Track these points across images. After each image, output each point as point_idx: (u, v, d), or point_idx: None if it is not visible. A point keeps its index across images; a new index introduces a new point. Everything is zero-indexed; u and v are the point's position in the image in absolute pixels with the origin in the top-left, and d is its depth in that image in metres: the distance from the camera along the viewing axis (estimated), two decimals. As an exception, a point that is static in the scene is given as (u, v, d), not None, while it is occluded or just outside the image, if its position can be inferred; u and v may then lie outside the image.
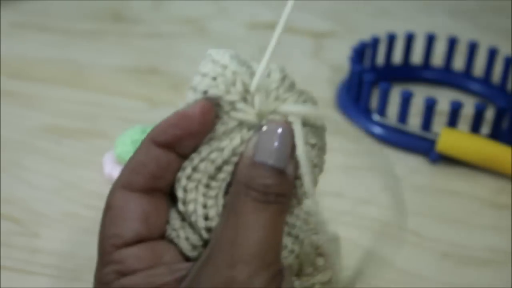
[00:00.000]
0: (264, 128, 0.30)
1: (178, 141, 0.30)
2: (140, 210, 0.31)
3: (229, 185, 0.31)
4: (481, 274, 0.50)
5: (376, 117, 0.65)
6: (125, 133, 0.57)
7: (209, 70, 0.31)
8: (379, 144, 0.64)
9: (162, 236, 0.32)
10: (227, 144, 0.30)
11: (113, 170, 0.56)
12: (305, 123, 0.31)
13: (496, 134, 0.63)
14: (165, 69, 0.77)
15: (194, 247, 0.31)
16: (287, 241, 0.32)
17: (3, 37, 0.81)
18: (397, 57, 0.76)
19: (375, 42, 0.73)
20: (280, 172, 0.29)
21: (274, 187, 0.29)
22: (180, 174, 0.31)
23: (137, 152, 0.31)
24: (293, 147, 0.30)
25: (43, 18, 0.87)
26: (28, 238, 0.51)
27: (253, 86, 0.31)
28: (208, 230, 0.30)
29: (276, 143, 0.29)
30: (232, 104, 0.30)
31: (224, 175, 0.30)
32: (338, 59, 0.78)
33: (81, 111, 0.68)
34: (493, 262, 0.51)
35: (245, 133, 0.30)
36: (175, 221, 0.31)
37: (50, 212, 0.54)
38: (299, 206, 0.32)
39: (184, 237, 0.31)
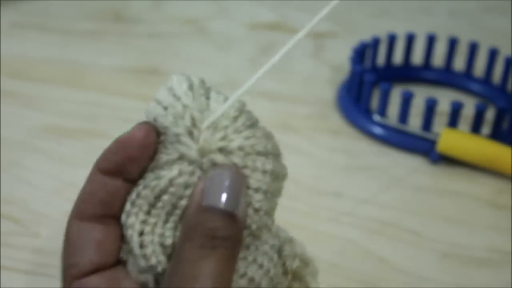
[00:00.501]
0: (212, 172, 0.29)
1: (121, 167, 0.30)
2: (93, 239, 0.31)
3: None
4: (481, 274, 0.50)
5: (376, 117, 0.65)
6: (125, 133, 0.57)
7: (163, 98, 0.32)
8: (380, 144, 0.64)
9: (119, 261, 0.32)
10: (165, 173, 0.30)
11: (113, 170, 0.56)
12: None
13: (497, 135, 0.63)
14: (165, 69, 0.77)
15: (139, 272, 0.31)
16: (246, 268, 0.31)
17: (3, 37, 0.81)
18: (398, 57, 0.76)
19: (375, 42, 0.73)
20: (229, 215, 0.28)
21: (222, 231, 0.28)
22: (127, 198, 0.31)
23: (86, 181, 0.32)
24: (242, 189, 0.29)
25: (43, 18, 0.87)
26: (28, 238, 0.51)
27: (204, 123, 0.30)
28: (144, 256, 0.30)
29: (225, 186, 0.29)
30: (177, 136, 0.30)
31: (162, 204, 0.30)
32: (339, 59, 0.78)
33: (81, 111, 0.68)
34: (493, 262, 0.51)
35: (185, 167, 0.30)
36: (125, 245, 0.32)
37: (50, 212, 0.54)
38: (259, 239, 0.31)
39: (130, 261, 0.31)
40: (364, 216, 0.55)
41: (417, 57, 0.76)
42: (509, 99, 0.69)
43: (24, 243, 0.51)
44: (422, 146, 0.63)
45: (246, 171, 0.30)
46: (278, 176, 0.32)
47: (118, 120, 0.67)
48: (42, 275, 0.48)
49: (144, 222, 0.30)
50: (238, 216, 0.29)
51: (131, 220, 0.31)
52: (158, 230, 0.30)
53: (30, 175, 0.58)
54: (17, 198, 0.55)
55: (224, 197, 0.28)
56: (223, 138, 0.30)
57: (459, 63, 0.76)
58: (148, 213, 0.30)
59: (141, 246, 0.30)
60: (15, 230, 0.52)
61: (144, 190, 0.30)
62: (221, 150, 0.30)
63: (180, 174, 0.30)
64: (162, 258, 0.30)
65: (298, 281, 0.34)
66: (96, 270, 0.31)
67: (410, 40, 0.74)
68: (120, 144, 0.30)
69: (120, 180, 0.31)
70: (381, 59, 0.75)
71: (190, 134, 0.30)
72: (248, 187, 0.30)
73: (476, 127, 0.62)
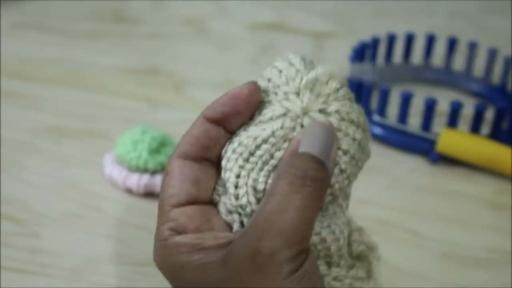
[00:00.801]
0: (309, 125, 0.33)
1: (226, 118, 0.34)
2: (193, 175, 0.35)
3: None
4: (481, 274, 0.50)
5: (376, 117, 0.65)
6: (125, 133, 0.57)
7: (279, 64, 0.35)
8: (379, 144, 0.64)
9: (211, 202, 0.36)
10: (269, 126, 0.34)
11: (113, 170, 0.56)
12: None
13: (496, 134, 0.63)
14: (165, 69, 0.77)
15: (228, 211, 0.35)
16: (321, 229, 0.35)
17: (3, 37, 0.81)
18: (397, 57, 0.76)
19: (375, 42, 0.73)
20: (320, 162, 0.32)
21: (312, 171, 0.32)
22: (227, 146, 0.35)
23: (192, 126, 0.35)
24: (334, 144, 0.33)
25: (43, 18, 0.87)
26: (28, 238, 0.51)
27: (302, 84, 0.34)
28: (236, 196, 0.34)
29: (319, 138, 0.33)
30: (286, 94, 0.34)
31: (261, 152, 0.34)
32: (338, 60, 0.78)
33: (81, 111, 0.68)
34: (493, 262, 0.51)
35: (288, 121, 0.34)
36: (218, 187, 0.36)
37: (50, 212, 0.54)
38: (337, 204, 0.36)
39: (222, 201, 0.35)
40: (363, 216, 0.55)
41: (417, 57, 0.76)
42: (509, 99, 0.69)
43: (24, 243, 0.51)
44: (422, 146, 0.63)
45: (339, 134, 0.34)
46: (363, 149, 0.36)
47: (118, 120, 0.67)
48: (42, 275, 0.48)
49: (241, 167, 0.34)
50: (327, 166, 0.32)
51: (231, 164, 0.34)
52: (253, 175, 0.34)
53: (30, 175, 0.58)
54: (17, 198, 0.55)
55: (317, 146, 0.32)
56: (324, 102, 0.34)
57: (458, 63, 0.76)
58: (247, 160, 0.34)
59: (236, 186, 0.34)
60: (15, 230, 0.52)
61: (247, 139, 0.34)
62: (321, 111, 0.34)
63: (282, 127, 0.34)
64: (253, 199, 0.34)
65: (362, 261, 0.38)
66: (192, 202, 0.35)
67: (409, 40, 0.74)
68: (229, 98, 0.34)
69: (222, 129, 0.35)
70: (380, 59, 0.75)
71: (297, 94, 0.34)
72: (338, 148, 0.34)
73: (475, 127, 0.62)
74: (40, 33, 0.84)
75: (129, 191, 0.56)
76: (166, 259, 0.34)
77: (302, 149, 0.32)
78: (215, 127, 0.35)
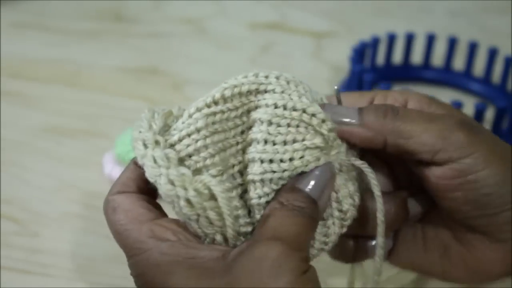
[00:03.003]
0: (315, 168, 0.35)
1: None
2: (140, 201, 0.36)
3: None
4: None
5: (376, 117, 0.65)
6: (125, 133, 0.57)
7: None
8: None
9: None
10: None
11: (113, 170, 0.56)
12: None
13: (496, 134, 0.63)
14: (165, 69, 0.77)
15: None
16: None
17: (3, 37, 0.81)
18: (397, 57, 0.76)
19: (375, 42, 0.73)
20: (313, 201, 0.34)
21: (306, 209, 0.34)
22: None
23: (124, 171, 0.37)
24: (328, 186, 0.35)
25: (43, 18, 0.87)
26: (28, 238, 0.52)
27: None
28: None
29: (315, 175, 0.35)
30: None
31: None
32: (338, 59, 0.78)
33: (81, 111, 0.68)
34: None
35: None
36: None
37: (50, 212, 0.54)
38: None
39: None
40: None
41: (417, 57, 0.76)
42: (509, 99, 0.69)
43: (24, 243, 0.51)
44: (422, 146, 0.62)
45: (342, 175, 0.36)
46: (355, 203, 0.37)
47: (118, 120, 0.67)
48: (42, 275, 0.48)
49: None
50: (319, 204, 0.34)
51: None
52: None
53: (30, 175, 0.58)
54: (17, 198, 0.55)
55: (311, 183, 0.35)
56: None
57: (458, 63, 0.76)
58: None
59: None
60: (15, 230, 0.52)
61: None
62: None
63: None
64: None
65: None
66: (153, 218, 0.35)
67: (409, 39, 0.74)
68: None
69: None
70: (380, 59, 0.75)
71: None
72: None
73: (476, 127, 0.62)
74: (40, 33, 0.84)
75: (129, 191, 0.56)
76: (150, 269, 0.33)
77: (298, 185, 0.35)
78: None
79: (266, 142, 0.36)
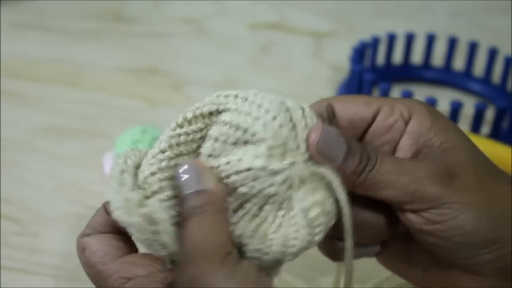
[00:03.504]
0: (176, 169, 0.35)
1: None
2: (108, 240, 0.37)
3: None
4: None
5: (376, 117, 0.65)
6: (125, 133, 0.57)
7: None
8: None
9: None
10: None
11: (113, 170, 0.56)
12: None
13: (496, 134, 0.63)
14: (165, 69, 0.77)
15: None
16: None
17: (3, 37, 0.81)
18: (397, 57, 0.76)
19: (375, 42, 0.73)
20: (200, 192, 0.34)
21: (198, 205, 0.34)
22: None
23: (95, 215, 0.38)
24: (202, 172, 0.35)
25: (43, 18, 0.87)
26: (28, 238, 0.52)
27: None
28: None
29: (187, 175, 0.35)
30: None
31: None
32: (338, 59, 0.78)
33: (81, 111, 0.68)
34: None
35: None
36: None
37: (50, 212, 0.54)
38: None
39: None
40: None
41: (417, 57, 0.76)
42: (509, 99, 0.69)
43: (24, 243, 0.51)
44: (422, 146, 0.62)
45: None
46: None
47: (118, 120, 0.67)
48: (42, 275, 0.48)
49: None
50: (208, 189, 0.34)
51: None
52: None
53: (30, 175, 0.58)
54: (17, 198, 0.55)
55: (190, 182, 0.35)
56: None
57: (458, 63, 0.76)
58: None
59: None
60: (15, 230, 0.52)
61: None
62: None
63: None
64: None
65: None
66: (120, 255, 0.36)
67: (409, 39, 0.74)
68: None
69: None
70: (380, 59, 0.75)
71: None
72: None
73: (475, 127, 0.62)
74: (40, 33, 0.84)
75: (129, 191, 0.56)
76: None
77: (182, 191, 0.35)
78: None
79: (210, 156, 0.36)
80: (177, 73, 0.76)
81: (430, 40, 0.75)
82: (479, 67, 0.75)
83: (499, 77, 0.73)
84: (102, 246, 0.36)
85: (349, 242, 0.36)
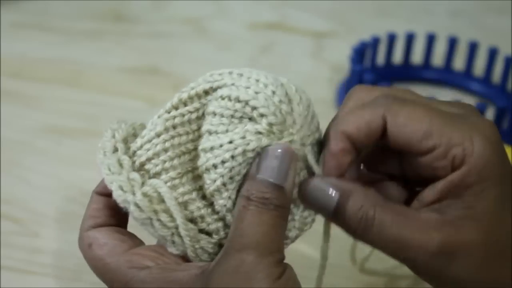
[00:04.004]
0: (267, 148, 0.34)
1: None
2: (115, 232, 0.37)
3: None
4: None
5: (376, 117, 0.65)
6: (125, 133, 0.57)
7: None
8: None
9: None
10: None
11: (113, 170, 0.56)
12: None
13: (496, 134, 0.63)
14: (165, 69, 0.77)
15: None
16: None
17: (3, 37, 0.81)
18: (397, 57, 0.76)
19: (375, 42, 0.73)
20: (278, 188, 0.33)
21: (272, 200, 0.33)
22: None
23: (89, 203, 0.38)
24: (291, 166, 0.34)
25: (43, 18, 0.87)
26: (28, 238, 0.52)
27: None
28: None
29: (275, 163, 0.33)
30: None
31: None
32: (338, 59, 0.78)
33: (81, 111, 0.68)
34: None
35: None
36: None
37: (50, 212, 0.54)
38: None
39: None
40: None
41: (417, 57, 0.76)
42: (509, 99, 0.69)
43: (24, 243, 0.51)
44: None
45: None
46: None
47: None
48: (42, 275, 0.48)
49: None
50: (285, 189, 0.33)
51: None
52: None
53: (30, 175, 0.58)
54: (17, 198, 0.55)
55: (272, 168, 0.33)
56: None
57: (458, 63, 0.76)
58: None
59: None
60: (15, 230, 0.52)
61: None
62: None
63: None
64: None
65: None
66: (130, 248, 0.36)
67: (409, 39, 0.74)
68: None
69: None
70: (381, 59, 0.75)
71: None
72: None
73: (476, 127, 0.62)
74: (40, 33, 0.84)
75: (129, 191, 0.56)
76: None
77: (260, 175, 0.33)
78: (108, 199, 0.37)
79: (210, 133, 0.35)
80: (177, 73, 0.76)
81: (430, 40, 0.75)
82: (479, 67, 0.75)
83: (499, 77, 0.73)
84: (109, 240, 0.36)
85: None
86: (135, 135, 0.38)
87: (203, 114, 0.37)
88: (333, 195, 0.34)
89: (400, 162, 0.37)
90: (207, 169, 0.35)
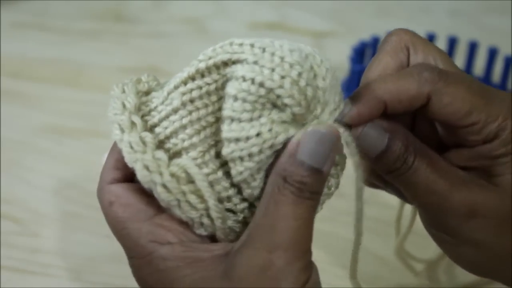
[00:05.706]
0: (310, 128, 0.32)
1: None
2: (138, 192, 0.34)
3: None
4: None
5: (376, 117, 0.65)
6: (125, 133, 0.57)
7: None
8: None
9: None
10: None
11: (113, 170, 0.56)
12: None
13: (496, 134, 0.63)
14: (165, 69, 0.77)
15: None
16: None
17: (3, 37, 0.81)
18: (397, 57, 0.76)
19: (375, 42, 0.73)
20: (317, 172, 0.32)
21: (310, 186, 0.32)
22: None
23: (110, 153, 0.36)
24: (333, 149, 0.32)
25: (43, 18, 0.87)
26: (28, 238, 0.52)
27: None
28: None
29: (317, 145, 0.32)
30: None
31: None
32: (338, 59, 0.78)
33: (81, 111, 0.68)
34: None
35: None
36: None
37: (50, 212, 0.54)
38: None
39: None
40: (364, 216, 0.55)
41: (417, 57, 0.76)
42: (509, 99, 0.69)
43: (24, 243, 0.51)
44: (422, 146, 0.62)
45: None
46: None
47: (118, 120, 0.67)
48: (42, 275, 0.48)
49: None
50: (324, 173, 0.32)
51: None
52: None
53: (30, 175, 0.58)
54: (17, 198, 0.55)
55: (314, 150, 0.32)
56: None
57: (458, 63, 0.76)
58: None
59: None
60: (15, 230, 0.52)
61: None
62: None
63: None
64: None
65: None
66: (154, 214, 0.34)
67: (410, 39, 0.74)
68: None
69: None
70: (381, 59, 0.75)
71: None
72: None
73: (476, 127, 0.62)
74: (40, 33, 0.84)
75: (129, 191, 0.56)
76: (152, 275, 0.33)
77: (300, 156, 0.32)
78: None
79: (232, 120, 0.32)
80: (177, 73, 0.76)
81: (430, 39, 0.74)
82: (479, 67, 0.75)
83: (499, 77, 0.73)
84: (133, 201, 0.33)
85: (359, 204, 0.36)
86: (142, 97, 0.36)
87: (222, 85, 0.34)
88: (384, 139, 0.35)
89: (431, 124, 0.38)
90: (233, 160, 0.33)
